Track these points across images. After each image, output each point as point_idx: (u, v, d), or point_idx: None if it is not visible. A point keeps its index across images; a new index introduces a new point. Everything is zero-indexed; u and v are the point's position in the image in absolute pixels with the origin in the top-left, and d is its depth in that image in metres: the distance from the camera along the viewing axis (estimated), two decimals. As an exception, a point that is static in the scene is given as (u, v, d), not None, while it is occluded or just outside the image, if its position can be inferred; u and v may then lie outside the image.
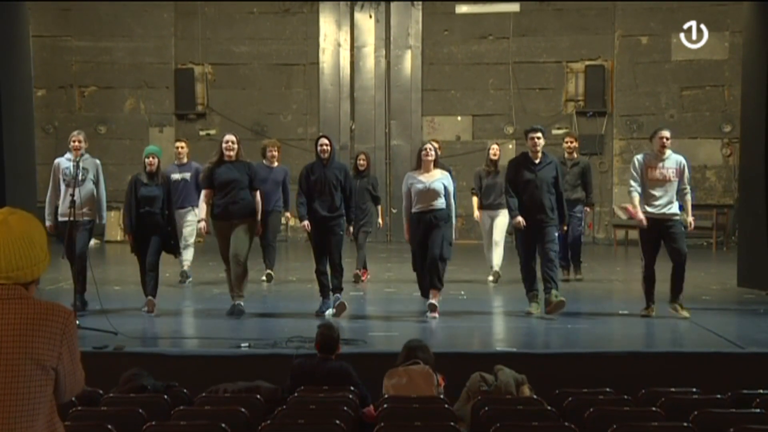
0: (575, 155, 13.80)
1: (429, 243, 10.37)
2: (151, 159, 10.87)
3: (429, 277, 10.41)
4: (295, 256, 17.99)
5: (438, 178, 10.50)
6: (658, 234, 10.32)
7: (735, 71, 18.30)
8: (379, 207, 13.78)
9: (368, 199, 13.40)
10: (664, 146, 10.36)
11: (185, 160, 13.36)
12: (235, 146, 10.59)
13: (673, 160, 10.39)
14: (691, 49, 19.97)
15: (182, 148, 13.43)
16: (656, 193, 10.26)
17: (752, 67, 13.55)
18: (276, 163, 13.35)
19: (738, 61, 16.68)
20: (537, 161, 10.64)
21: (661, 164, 10.34)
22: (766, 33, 13.02)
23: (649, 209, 10.27)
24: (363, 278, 13.41)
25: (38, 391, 3.43)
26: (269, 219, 12.45)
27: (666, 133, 10.44)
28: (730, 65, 19.79)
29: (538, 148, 10.63)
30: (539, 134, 10.71)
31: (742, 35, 15.17)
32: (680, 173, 10.33)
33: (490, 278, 13.30)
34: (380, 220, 13.91)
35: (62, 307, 3.57)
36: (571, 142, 13.93)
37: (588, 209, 13.92)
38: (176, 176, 12.90)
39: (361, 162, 13.62)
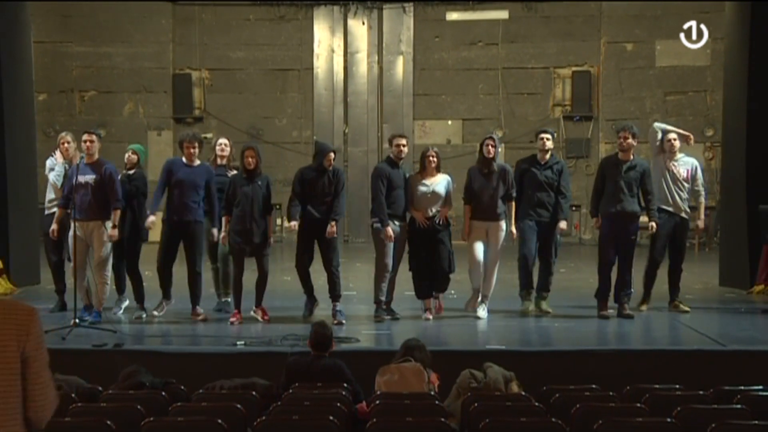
0: (632, 155, 10.77)
1: (434, 256, 10.58)
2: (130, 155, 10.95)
3: (437, 286, 10.75)
4: (291, 255, 18.17)
5: (440, 182, 10.65)
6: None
7: (717, 77, 18.65)
8: (268, 218, 10.59)
9: (263, 210, 10.49)
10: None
11: (95, 156, 10.48)
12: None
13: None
14: (675, 56, 20.41)
15: (91, 142, 10.41)
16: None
17: (734, 73, 13.90)
18: (197, 162, 10.66)
19: (720, 68, 17.00)
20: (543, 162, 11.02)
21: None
22: (747, 40, 13.35)
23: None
24: (263, 317, 10.57)
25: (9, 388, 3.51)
26: (191, 231, 10.50)
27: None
28: (712, 71, 20.16)
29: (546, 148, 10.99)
30: (548, 135, 11.10)
31: (723, 42, 15.42)
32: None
33: (482, 312, 10.77)
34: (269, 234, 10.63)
35: (25, 305, 3.60)
36: (626, 138, 10.68)
37: (653, 225, 10.82)
38: (82, 178, 10.32)
39: (249, 160, 10.42)
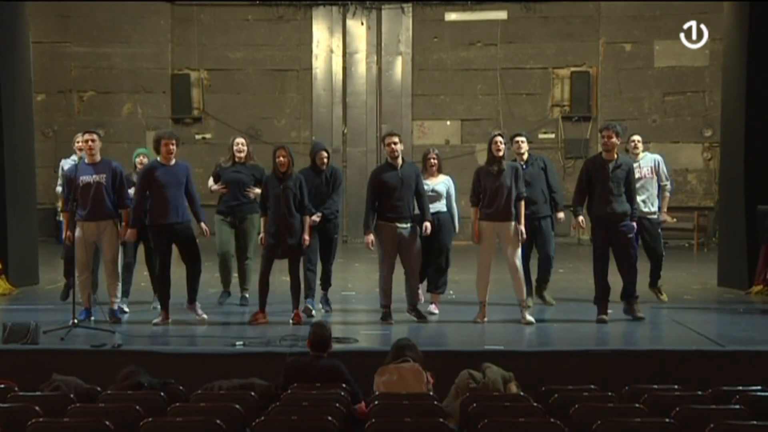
0: (616, 154, 10.56)
1: (434, 250, 10.92)
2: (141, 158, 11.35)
3: (433, 279, 11.05)
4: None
5: (441, 182, 11.08)
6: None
7: (715, 78, 18.75)
8: (306, 218, 10.45)
9: (295, 211, 10.41)
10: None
11: (98, 156, 10.57)
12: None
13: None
14: (673, 56, 20.48)
15: (92, 141, 10.50)
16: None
17: (732, 74, 13.95)
18: (173, 161, 10.36)
19: (718, 68, 17.10)
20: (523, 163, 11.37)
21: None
22: (745, 41, 13.41)
23: None
24: (295, 319, 10.45)
25: None
26: (180, 233, 10.39)
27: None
28: (710, 72, 20.20)
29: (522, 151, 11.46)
30: (522, 137, 11.60)
31: (722, 43, 15.46)
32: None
33: (529, 317, 10.50)
34: (306, 236, 10.41)
35: None
36: (609, 138, 10.44)
37: (635, 225, 10.62)
38: (87, 178, 10.40)
39: (282, 160, 10.35)
